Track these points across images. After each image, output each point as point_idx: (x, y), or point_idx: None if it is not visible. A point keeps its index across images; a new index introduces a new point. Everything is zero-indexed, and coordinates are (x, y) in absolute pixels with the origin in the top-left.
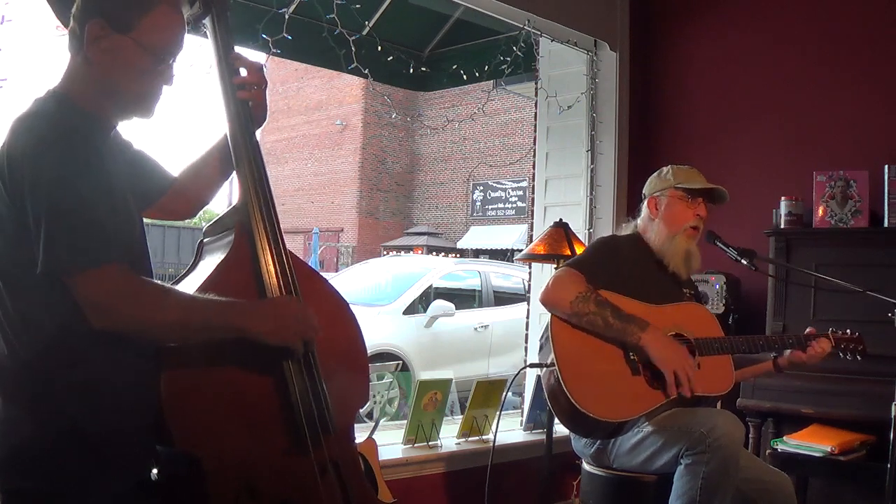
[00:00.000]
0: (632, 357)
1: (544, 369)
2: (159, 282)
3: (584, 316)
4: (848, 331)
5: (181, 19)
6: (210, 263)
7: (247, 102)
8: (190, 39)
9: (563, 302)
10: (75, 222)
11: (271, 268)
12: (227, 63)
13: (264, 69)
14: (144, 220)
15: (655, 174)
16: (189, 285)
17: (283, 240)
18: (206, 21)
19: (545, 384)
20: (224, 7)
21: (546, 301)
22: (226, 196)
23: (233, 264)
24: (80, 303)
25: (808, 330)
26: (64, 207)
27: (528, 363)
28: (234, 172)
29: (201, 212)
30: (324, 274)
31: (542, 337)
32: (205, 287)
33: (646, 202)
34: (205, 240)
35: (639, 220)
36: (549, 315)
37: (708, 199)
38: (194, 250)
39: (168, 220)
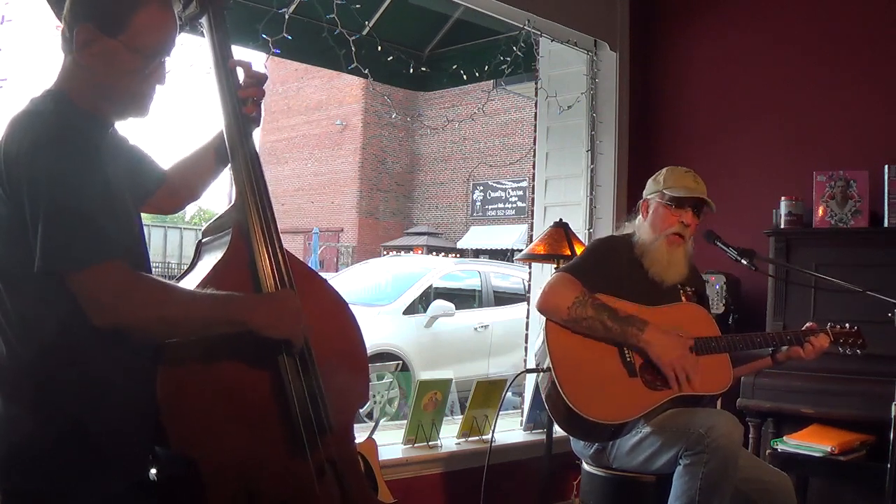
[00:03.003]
0: (628, 359)
1: (541, 374)
2: (160, 278)
3: (583, 321)
4: (846, 325)
5: (171, 17)
6: (207, 263)
7: (245, 101)
8: (190, 39)
9: (561, 308)
10: (73, 220)
11: (268, 268)
12: (225, 62)
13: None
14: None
15: (653, 176)
16: (187, 285)
17: (279, 240)
18: (203, 20)
19: (542, 389)
20: (220, 6)
21: (543, 308)
22: (226, 195)
23: (230, 264)
24: (80, 301)
25: (807, 325)
26: (62, 205)
27: (526, 368)
28: (230, 170)
29: (201, 212)
30: (324, 274)
31: (538, 338)
32: (202, 287)
33: (641, 204)
34: (203, 240)
35: (636, 222)
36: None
37: (699, 206)
38: (193, 251)
39: (156, 215)
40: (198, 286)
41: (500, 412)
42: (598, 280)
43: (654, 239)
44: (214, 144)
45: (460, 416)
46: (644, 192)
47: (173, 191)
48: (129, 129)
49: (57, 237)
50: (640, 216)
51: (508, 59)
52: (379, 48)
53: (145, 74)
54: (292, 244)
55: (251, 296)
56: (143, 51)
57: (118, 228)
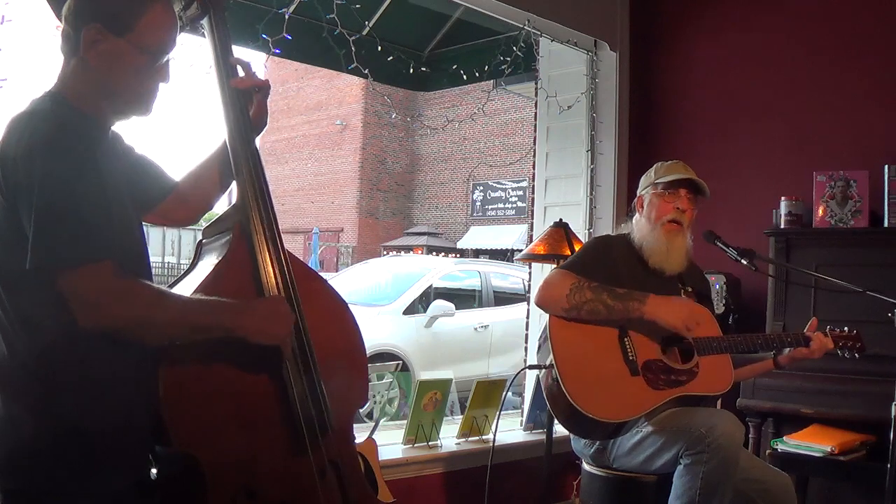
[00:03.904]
0: (631, 357)
1: (543, 370)
2: (149, 282)
3: (584, 305)
4: (846, 329)
5: (174, 17)
6: (208, 264)
7: (246, 105)
8: (190, 39)
9: (559, 298)
10: (65, 219)
11: (269, 268)
12: (226, 65)
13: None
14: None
15: (645, 174)
16: (188, 286)
17: (281, 240)
18: (204, 22)
19: (544, 385)
20: (221, 8)
21: (541, 302)
22: (225, 197)
23: (231, 265)
24: (68, 299)
25: (810, 322)
26: (54, 205)
27: (527, 364)
28: (234, 179)
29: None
30: (324, 274)
31: (540, 337)
32: (203, 287)
33: (636, 201)
34: (203, 240)
35: (632, 221)
36: (548, 315)
37: (693, 191)
38: (193, 251)
39: (170, 226)
40: (199, 287)
41: (500, 412)
42: (594, 276)
43: (651, 229)
44: (217, 156)
45: (460, 416)
46: (637, 191)
47: (184, 202)
48: (130, 128)
49: (47, 236)
50: (637, 213)
51: (508, 59)
52: (379, 48)
53: (151, 72)
54: (292, 244)
55: (240, 302)
56: (149, 49)
57: (112, 230)
